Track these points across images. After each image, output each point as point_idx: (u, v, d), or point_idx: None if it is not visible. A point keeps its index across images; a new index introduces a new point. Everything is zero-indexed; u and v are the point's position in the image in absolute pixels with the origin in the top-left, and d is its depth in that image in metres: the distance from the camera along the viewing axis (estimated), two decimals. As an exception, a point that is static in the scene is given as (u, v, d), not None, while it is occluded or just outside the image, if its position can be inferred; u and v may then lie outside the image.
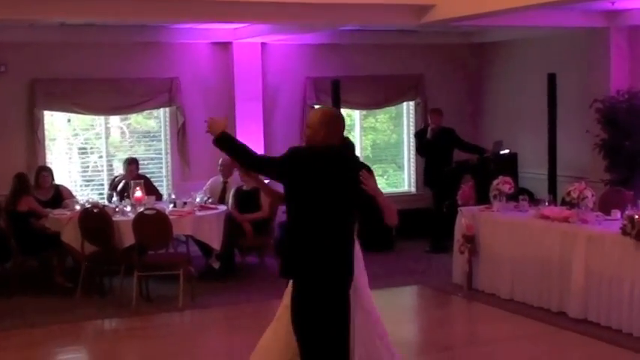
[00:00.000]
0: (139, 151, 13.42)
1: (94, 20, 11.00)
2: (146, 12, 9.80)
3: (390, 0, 10.13)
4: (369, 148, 15.20)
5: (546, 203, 10.21)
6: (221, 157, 12.50)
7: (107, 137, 13.42)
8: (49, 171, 11.74)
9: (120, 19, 10.59)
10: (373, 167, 15.62)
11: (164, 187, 13.44)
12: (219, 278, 11.35)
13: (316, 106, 13.96)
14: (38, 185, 11.46)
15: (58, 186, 11.77)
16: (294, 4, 9.82)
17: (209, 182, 12.53)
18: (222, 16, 10.45)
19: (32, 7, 9.05)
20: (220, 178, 12.46)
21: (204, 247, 11.44)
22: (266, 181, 6.96)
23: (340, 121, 5.93)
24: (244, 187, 11.74)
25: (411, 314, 10.51)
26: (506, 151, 13.95)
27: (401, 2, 10.23)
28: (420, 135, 13.88)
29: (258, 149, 13.26)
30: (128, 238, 10.29)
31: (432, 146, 13.38)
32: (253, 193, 11.63)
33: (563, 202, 9.89)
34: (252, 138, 13.12)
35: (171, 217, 10.49)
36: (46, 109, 12.77)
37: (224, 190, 12.34)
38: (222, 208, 11.54)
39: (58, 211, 11.11)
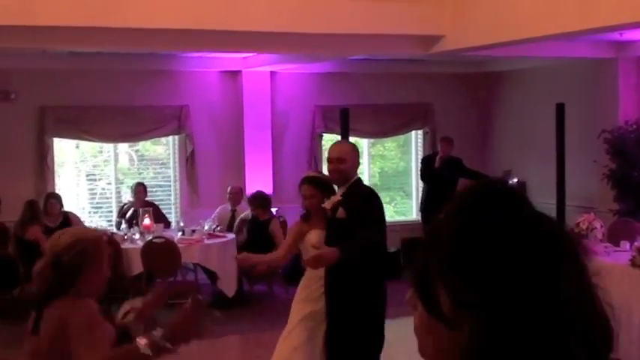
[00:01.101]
0: (147, 178, 13.45)
1: (104, 49, 11.06)
2: (156, 41, 9.86)
3: (399, 30, 10.15)
4: (377, 176, 15.21)
5: (555, 234, 10.17)
6: (229, 185, 12.54)
7: (116, 163, 13.47)
8: (58, 198, 11.75)
9: (130, 47, 10.66)
10: (381, 195, 15.66)
11: (172, 215, 13.45)
12: (228, 307, 11.34)
13: (325, 135, 14.03)
14: (47, 212, 11.48)
15: (66, 213, 11.78)
16: (303, 34, 9.87)
17: (217, 210, 12.55)
18: (232, 45, 10.50)
19: (43, 36, 9.11)
20: (229, 207, 12.48)
21: (212, 275, 11.44)
22: None
23: None
24: (260, 217, 11.70)
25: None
26: (515, 180, 13.96)
27: (410, 33, 10.26)
28: (426, 162, 13.87)
29: (267, 177, 13.33)
30: (136, 266, 10.31)
31: (438, 175, 13.35)
32: (266, 223, 11.62)
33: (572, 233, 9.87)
34: (261, 166, 13.18)
35: (179, 245, 10.51)
36: (55, 137, 12.83)
37: (232, 218, 12.35)
38: (231, 236, 11.55)
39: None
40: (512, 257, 1.36)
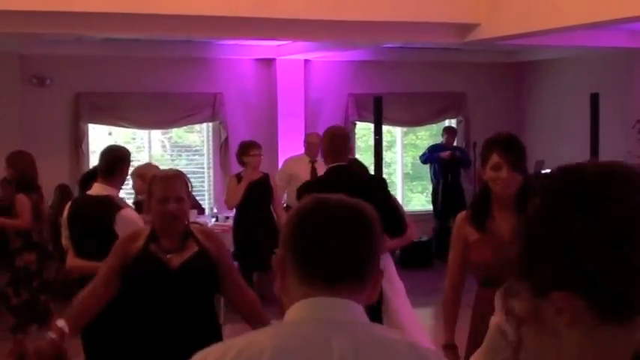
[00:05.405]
0: (180, 165, 13.48)
1: (139, 36, 11.10)
2: (191, 28, 9.87)
3: (434, 18, 10.10)
4: (410, 165, 15.19)
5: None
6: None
7: (149, 150, 13.53)
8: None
9: (165, 34, 10.69)
10: (413, 184, 15.70)
11: (206, 202, 13.51)
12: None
13: (358, 123, 14.05)
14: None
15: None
16: (337, 21, 9.84)
17: (286, 165, 11.75)
18: (266, 33, 10.50)
19: (78, 22, 9.16)
20: (306, 158, 11.40)
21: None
22: None
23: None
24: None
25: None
26: (548, 170, 13.91)
27: (445, 21, 10.20)
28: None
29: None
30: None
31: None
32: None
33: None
34: (294, 154, 13.16)
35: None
36: (90, 123, 12.91)
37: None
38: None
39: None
40: None
